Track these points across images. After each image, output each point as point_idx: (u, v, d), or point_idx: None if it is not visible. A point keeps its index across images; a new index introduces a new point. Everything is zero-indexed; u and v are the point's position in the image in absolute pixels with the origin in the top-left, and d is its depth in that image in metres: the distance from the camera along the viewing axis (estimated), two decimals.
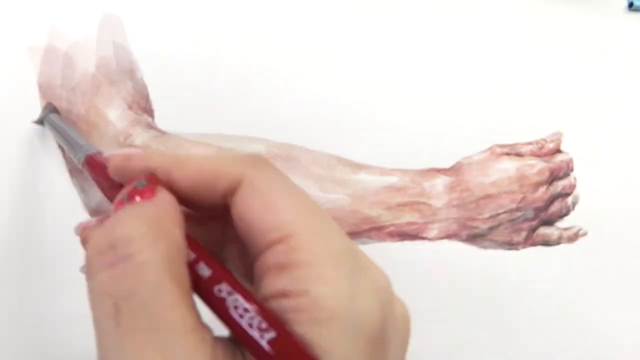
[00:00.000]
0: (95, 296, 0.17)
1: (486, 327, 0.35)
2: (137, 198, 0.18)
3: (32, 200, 0.33)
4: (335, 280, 0.17)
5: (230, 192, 0.19)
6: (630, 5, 0.43)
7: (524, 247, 0.37)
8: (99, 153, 0.24)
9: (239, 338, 0.17)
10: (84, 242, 0.21)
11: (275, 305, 0.17)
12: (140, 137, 0.35)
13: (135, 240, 0.17)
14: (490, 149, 0.38)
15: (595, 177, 0.38)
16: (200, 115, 0.36)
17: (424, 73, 0.39)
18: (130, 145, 0.34)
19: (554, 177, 0.38)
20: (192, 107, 0.36)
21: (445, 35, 0.40)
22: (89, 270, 0.17)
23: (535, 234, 0.37)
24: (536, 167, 0.37)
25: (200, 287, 0.18)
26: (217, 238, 0.22)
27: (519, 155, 0.38)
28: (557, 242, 0.37)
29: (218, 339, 0.17)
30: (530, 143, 0.39)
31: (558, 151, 0.39)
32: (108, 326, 0.16)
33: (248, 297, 0.17)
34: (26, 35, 0.35)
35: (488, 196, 0.37)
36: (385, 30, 0.40)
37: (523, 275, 0.36)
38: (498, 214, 0.36)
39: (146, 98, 0.36)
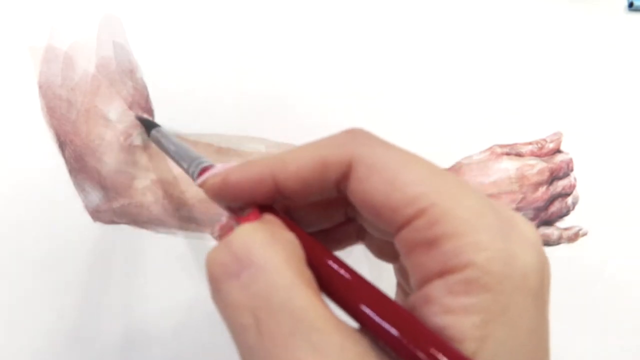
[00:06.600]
0: (230, 312, 0.17)
1: None
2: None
3: (31, 200, 0.33)
4: (493, 243, 0.16)
5: (342, 178, 0.18)
6: (630, 5, 0.43)
7: None
8: (212, 165, 0.23)
9: (369, 328, 0.16)
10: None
11: (441, 284, 0.16)
12: (140, 137, 0.35)
13: (253, 247, 0.17)
14: (490, 149, 0.38)
15: (595, 177, 0.38)
16: (200, 115, 0.36)
17: (424, 73, 0.39)
18: (131, 146, 0.34)
19: (554, 177, 0.38)
20: (192, 107, 0.36)
21: (445, 35, 0.40)
22: (216, 288, 0.17)
23: None
24: (536, 167, 0.37)
25: (329, 286, 0.18)
26: (337, 219, 0.21)
27: (519, 155, 0.38)
28: (557, 242, 0.37)
29: (356, 331, 0.16)
30: (530, 143, 0.39)
31: (558, 151, 0.39)
32: (250, 338, 0.16)
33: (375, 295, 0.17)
34: (26, 35, 0.35)
35: (488, 196, 0.37)
36: (385, 30, 0.40)
37: None
38: None
39: (146, 98, 0.36)
